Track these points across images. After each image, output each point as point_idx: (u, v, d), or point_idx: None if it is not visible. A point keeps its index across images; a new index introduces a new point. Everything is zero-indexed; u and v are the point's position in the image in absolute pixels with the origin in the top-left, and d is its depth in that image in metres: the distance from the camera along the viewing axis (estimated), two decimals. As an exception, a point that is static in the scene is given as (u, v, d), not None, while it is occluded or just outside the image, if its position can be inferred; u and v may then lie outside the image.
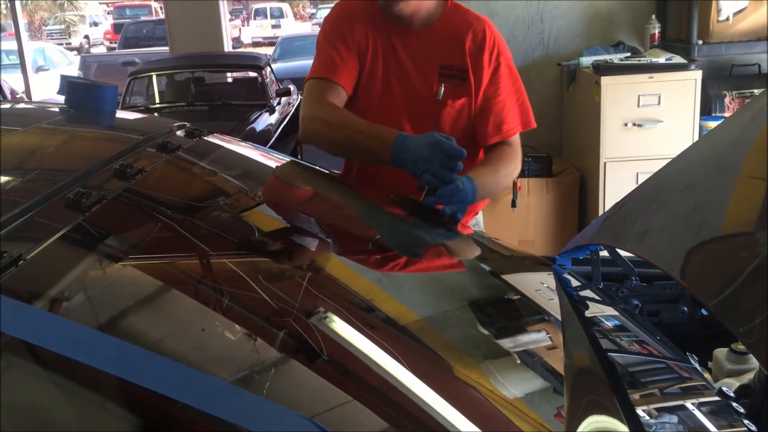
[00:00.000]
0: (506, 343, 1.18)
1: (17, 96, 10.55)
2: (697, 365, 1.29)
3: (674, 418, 1.04)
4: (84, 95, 1.57)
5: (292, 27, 24.10)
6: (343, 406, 0.86)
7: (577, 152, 4.08)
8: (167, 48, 9.19)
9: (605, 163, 3.67)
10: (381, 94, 1.77)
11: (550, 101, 4.21)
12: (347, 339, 0.98)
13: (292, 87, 7.47)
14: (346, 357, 0.95)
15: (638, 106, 3.61)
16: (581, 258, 1.58)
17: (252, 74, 7.37)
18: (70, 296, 0.86)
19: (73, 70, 14.54)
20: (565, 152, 4.25)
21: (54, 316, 0.72)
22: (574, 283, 1.48)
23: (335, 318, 1.02)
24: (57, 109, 1.63)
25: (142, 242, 1.08)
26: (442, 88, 1.73)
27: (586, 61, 3.87)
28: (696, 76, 3.59)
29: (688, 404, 1.11)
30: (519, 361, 1.13)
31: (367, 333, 1.02)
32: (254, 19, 25.68)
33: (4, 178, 1.10)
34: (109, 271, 0.98)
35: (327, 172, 1.82)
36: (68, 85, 1.56)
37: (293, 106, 7.39)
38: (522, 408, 1.01)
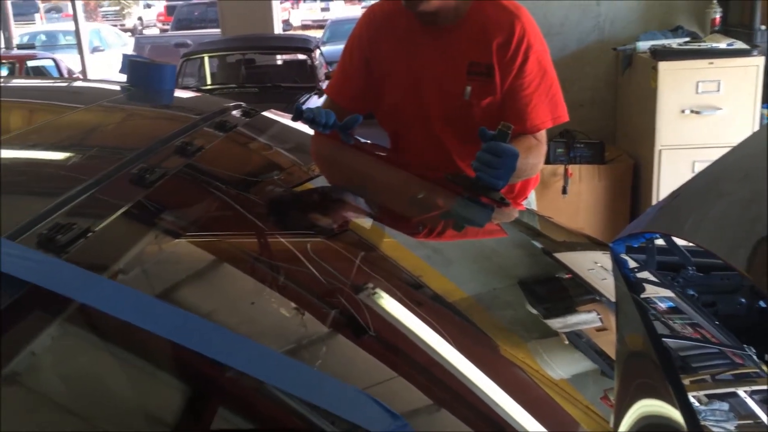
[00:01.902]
0: (554, 323, 1.17)
1: (74, 76, 10.83)
2: (754, 356, 1.26)
3: (725, 405, 1.03)
4: (144, 74, 1.60)
5: (341, 10, 24.09)
6: (388, 382, 0.86)
7: (630, 139, 4.00)
8: (219, 30, 9.31)
9: (660, 151, 3.58)
10: (411, 95, 1.77)
11: (603, 86, 4.13)
12: (395, 316, 0.99)
13: (341, 70, 7.46)
14: (393, 333, 0.96)
15: (697, 92, 3.51)
16: (636, 246, 1.55)
17: (301, 57, 7.40)
18: (134, 268, 0.88)
19: (128, 51, 14.84)
20: (618, 139, 4.17)
21: (123, 286, 0.75)
22: (632, 264, 1.46)
23: (384, 294, 1.03)
24: (118, 87, 1.68)
25: (202, 218, 1.10)
26: (469, 89, 1.71)
27: (643, 45, 3.77)
28: (758, 62, 3.47)
29: (740, 392, 1.10)
30: (567, 342, 1.12)
31: (415, 310, 1.02)
32: (304, 1, 25.79)
33: (71, 154, 1.13)
34: (170, 244, 1.00)
35: (375, 148, 1.84)
36: (130, 64, 1.60)
37: (342, 89, 7.39)
38: (567, 389, 1.00)
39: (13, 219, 0.81)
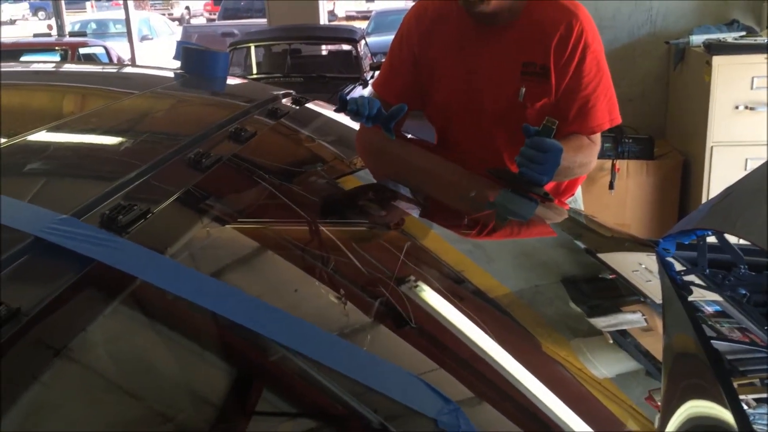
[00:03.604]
0: (598, 321, 1.16)
1: (124, 63, 11.04)
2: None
3: (774, 410, 1.01)
4: (198, 61, 1.63)
5: (385, 1, 24.03)
6: (429, 374, 0.87)
7: (681, 135, 3.91)
8: (265, 20, 9.39)
9: (712, 148, 3.50)
10: (462, 95, 1.75)
11: (654, 81, 4.05)
12: (437, 309, 0.99)
13: (385, 61, 7.47)
14: (435, 326, 0.96)
15: (751, 88, 3.41)
16: (686, 243, 1.53)
17: (346, 47, 7.42)
18: (189, 249, 0.90)
19: (176, 40, 15.07)
20: (668, 134, 4.08)
21: (182, 265, 0.77)
22: (678, 267, 1.44)
23: (426, 287, 1.03)
24: (172, 74, 1.71)
25: (252, 204, 1.12)
26: (523, 90, 1.67)
27: (697, 39, 3.68)
28: (816, 58, 3.36)
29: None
30: (611, 341, 1.11)
31: (456, 304, 1.02)
32: (348, -8, 25.79)
33: (130, 138, 1.16)
34: (222, 228, 1.02)
35: (421, 143, 1.84)
36: (184, 51, 1.63)
37: (386, 80, 7.38)
38: (611, 388, 1.00)
39: (77, 199, 0.84)
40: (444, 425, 0.61)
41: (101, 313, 0.72)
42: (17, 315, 0.64)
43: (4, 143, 1.02)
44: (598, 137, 1.75)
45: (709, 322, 1.26)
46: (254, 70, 7.02)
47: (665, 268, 1.40)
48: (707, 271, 1.47)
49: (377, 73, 7.65)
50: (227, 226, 1.01)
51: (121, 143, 1.12)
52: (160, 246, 0.83)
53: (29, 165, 0.98)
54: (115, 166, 1.01)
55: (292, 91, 1.68)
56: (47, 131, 1.10)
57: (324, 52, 8.23)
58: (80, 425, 0.61)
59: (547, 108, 1.69)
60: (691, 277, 1.42)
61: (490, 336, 0.95)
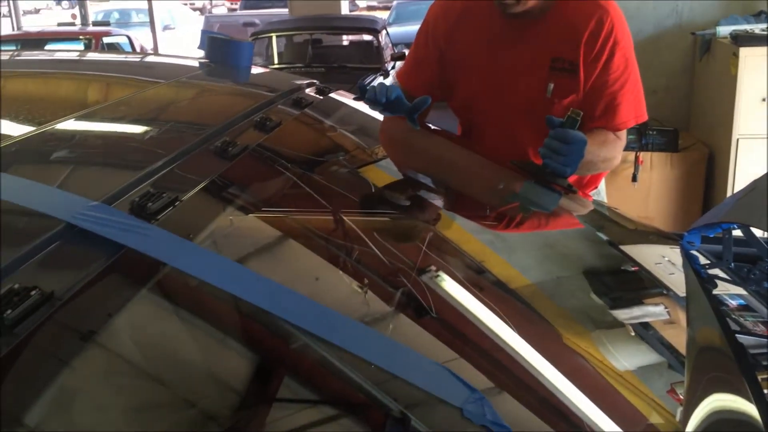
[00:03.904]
0: (620, 313, 1.16)
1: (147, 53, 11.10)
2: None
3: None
4: (223, 50, 1.64)
5: (406, -9, 23.90)
6: (449, 364, 0.87)
7: (706, 127, 3.86)
8: (286, 10, 9.39)
9: (738, 140, 3.45)
10: (488, 89, 1.73)
11: (679, 72, 4.00)
12: (458, 299, 0.99)
13: (406, 51, 7.45)
14: (455, 316, 0.97)
15: (779, 80, 3.36)
16: (711, 236, 1.51)
17: (368, 38, 7.40)
18: (216, 237, 0.91)
19: (199, 30, 15.13)
20: (693, 126, 4.04)
21: (211, 252, 0.78)
22: (703, 260, 1.43)
23: (447, 277, 1.03)
24: (197, 64, 1.72)
25: (281, 192, 1.13)
26: (551, 86, 1.66)
27: (724, 30, 3.63)
28: None
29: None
30: (633, 334, 1.11)
31: (477, 294, 1.03)
32: (370, -18, 25.69)
33: (157, 126, 1.18)
34: (248, 216, 1.03)
35: (446, 135, 1.83)
36: (209, 41, 1.64)
37: (407, 70, 7.36)
38: (632, 381, 0.99)
39: (107, 186, 0.85)
40: (470, 414, 0.61)
41: (132, 298, 0.73)
42: (51, 299, 0.65)
43: (35, 131, 1.03)
44: (623, 133, 1.73)
45: (733, 316, 1.25)
46: (275, 60, 7.03)
47: (690, 261, 1.39)
48: (732, 264, 1.45)
49: (398, 63, 7.68)
50: (254, 214, 1.02)
51: (149, 132, 1.14)
52: (187, 233, 0.84)
53: (59, 153, 1.00)
54: (144, 154, 1.03)
55: (315, 81, 1.68)
56: (76, 120, 1.12)
57: (345, 43, 8.23)
58: (107, 409, 0.62)
59: (575, 104, 1.67)
60: (715, 271, 1.41)
61: (511, 327, 0.95)
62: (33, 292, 0.64)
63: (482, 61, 1.72)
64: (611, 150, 1.68)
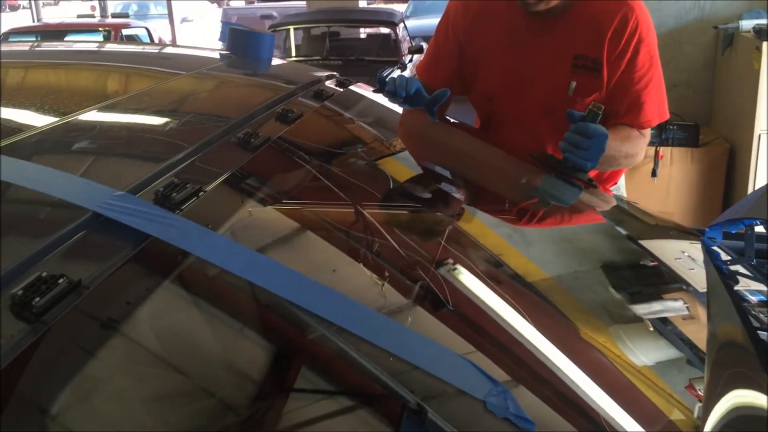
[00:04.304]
0: (639, 308, 1.15)
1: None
2: None
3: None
4: (244, 42, 1.64)
5: (425, -16, 23.80)
6: (466, 357, 0.87)
7: (728, 122, 3.82)
8: (304, 2, 9.39)
9: (760, 136, 3.41)
10: (508, 85, 1.72)
11: (701, 66, 3.95)
12: (475, 292, 0.99)
13: (424, 45, 7.44)
14: (472, 309, 0.96)
15: (803, 75, 3.31)
16: (733, 232, 1.50)
17: (385, 30, 7.40)
18: (239, 227, 0.92)
19: (216, 22, 15.19)
20: (714, 122, 3.99)
21: (236, 243, 0.78)
22: (724, 257, 1.42)
23: (464, 270, 1.03)
24: (218, 55, 1.73)
25: (303, 183, 1.13)
26: (574, 84, 1.63)
27: (747, 24, 3.58)
28: None
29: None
30: (652, 329, 1.10)
31: (494, 288, 1.02)
32: (388, -26, 25.60)
33: (180, 118, 1.18)
34: (274, 207, 1.04)
35: (464, 127, 1.83)
36: (230, 32, 1.64)
37: (425, 63, 7.35)
38: (650, 376, 0.99)
39: (132, 176, 0.86)
40: (493, 407, 0.61)
41: (157, 288, 0.74)
42: (78, 287, 0.66)
43: (60, 122, 1.04)
44: (647, 130, 1.72)
45: (754, 312, 1.24)
46: (293, 53, 7.04)
47: (711, 257, 1.38)
48: (754, 261, 1.44)
49: (416, 56, 7.66)
50: (277, 206, 1.03)
51: (172, 123, 1.14)
52: (211, 223, 0.84)
53: (83, 143, 1.01)
54: (167, 145, 1.03)
55: (335, 73, 1.68)
56: (100, 110, 1.13)
57: (363, 35, 8.22)
58: (132, 397, 0.63)
59: (598, 102, 1.66)
60: (737, 267, 1.40)
61: (529, 321, 0.95)
62: (60, 280, 0.65)
63: (502, 57, 1.71)
64: (634, 146, 1.66)
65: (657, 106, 1.68)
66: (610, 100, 1.64)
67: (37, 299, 0.62)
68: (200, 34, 13.53)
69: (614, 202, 1.62)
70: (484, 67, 1.75)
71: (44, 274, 0.65)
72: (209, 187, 0.89)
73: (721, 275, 1.31)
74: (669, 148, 3.62)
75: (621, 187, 1.99)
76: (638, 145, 1.68)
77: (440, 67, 1.81)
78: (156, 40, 10.11)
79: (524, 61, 1.69)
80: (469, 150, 1.69)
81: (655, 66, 1.65)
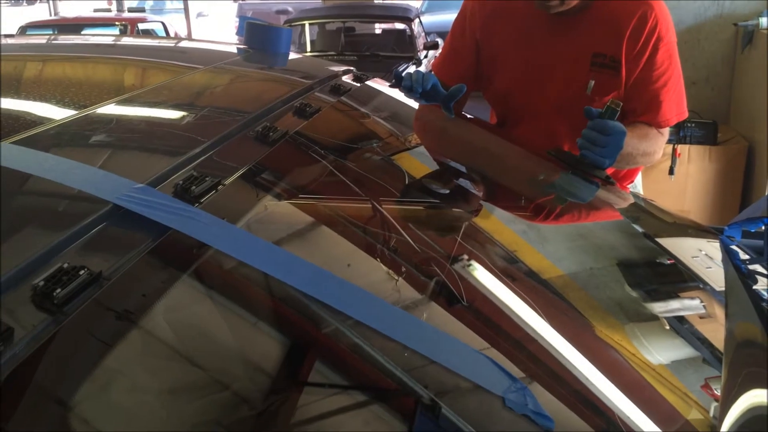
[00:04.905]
0: (655, 307, 1.15)
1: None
2: None
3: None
4: (262, 36, 1.64)
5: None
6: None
7: (747, 120, 3.78)
8: (319, -2, 9.40)
9: (779, 134, 3.39)
10: (525, 83, 1.71)
11: (720, 64, 3.92)
12: (489, 288, 0.99)
13: (439, 41, 7.42)
14: (486, 305, 0.96)
15: (824, 73, 3.28)
16: (753, 231, 1.49)
17: (400, 26, 7.39)
18: (257, 221, 0.92)
19: (231, 18, 15.24)
20: (732, 119, 3.96)
21: (256, 237, 0.78)
22: (743, 256, 1.40)
23: (478, 266, 1.03)
24: (235, 49, 1.73)
25: (322, 178, 1.13)
26: (592, 83, 1.62)
27: (767, 21, 3.54)
28: None
29: None
30: (667, 327, 1.10)
31: (509, 284, 1.02)
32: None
33: (199, 111, 1.19)
34: (293, 201, 1.04)
35: (480, 123, 1.82)
36: (247, 26, 1.64)
37: (440, 59, 7.34)
38: (665, 374, 0.98)
39: (152, 169, 0.87)
40: (512, 404, 0.61)
41: (177, 280, 0.74)
42: (98, 279, 0.66)
43: (78, 114, 1.05)
44: (666, 129, 1.71)
45: (769, 310, 1.23)
46: (308, 48, 7.06)
47: (730, 256, 1.37)
48: (774, 260, 1.42)
49: (431, 52, 7.66)
50: (296, 200, 1.03)
51: (190, 116, 1.15)
52: (230, 216, 0.84)
53: (102, 136, 1.01)
54: (186, 138, 1.04)
55: (352, 68, 1.68)
56: (119, 104, 1.13)
57: (378, 31, 8.22)
58: (153, 389, 0.63)
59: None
60: (756, 266, 1.39)
61: (544, 318, 0.95)
62: (82, 272, 0.65)
63: (520, 54, 1.70)
64: (652, 144, 1.65)
65: (676, 105, 1.66)
66: (629, 99, 1.63)
67: (59, 290, 0.63)
68: (215, 30, 13.59)
69: (631, 200, 1.61)
70: (502, 65, 1.74)
71: (65, 265, 0.66)
72: (228, 181, 0.89)
73: (739, 274, 1.30)
74: (687, 146, 3.60)
75: (638, 185, 1.98)
76: (656, 144, 1.67)
77: (456, 63, 1.81)
78: (172, 35, 10.16)
79: (542, 58, 1.68)
80: (485, 146, 1.68)
81: (675, 64, 1.64)
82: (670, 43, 1.62)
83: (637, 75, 1.62)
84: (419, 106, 1.62)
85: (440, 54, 1.89)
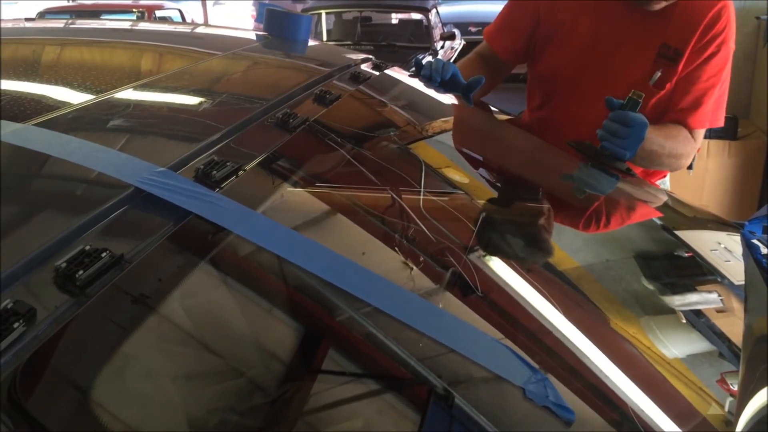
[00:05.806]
0: (672, 300, 1.14)
1: (198, 27, 11.20)
2: None
3: None
4: (282, 23, 1.64)
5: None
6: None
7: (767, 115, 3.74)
8: (337, -14, 9.36)
9: (799, 129, 3.35)
10: (580, 65, 1.67)
11: (741, 58, 3.87)
12: (505, 279, 0.98)
13: (456, 31, 7.38)
14: (501, 296, 0.96)
15: None
16: (774, 227, 1.47)
17: (417, 16, 7.36)
18: (277, 207, 0.92)
19: (248, 6, 15.24)
20: (753, 114, 3.91)
21: (276, 222, 0.78)
22: (764, 250, 1.39)
23: (494, 257, 1.02)
24: (254, 36, 1.73)
25: (342, 165, 1.13)
26: (658, 74, 1.58)
27: (790, 15, 3.50)
28: None
29: None
30: (684, 321, 1.09)
31: (525, 276, 1.01)
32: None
33: (220, 97, 1.19)
34: (313, 188, 1.03)
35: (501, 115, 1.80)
36: (267, 13, 1.64)
37: (456, 51, 7.31)
38: (680, 368, 0.97)
39: (173, 153, 0.86)
40: (532, 395, 0.61)
41: (198, 264, 0.74)
42: (120, 262, 0.66)
43: (98, 98, 1.05)
44: (699, 135, 1.66)
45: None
46: (324, 37, 7.04)
47: (751, 250, 1.35)
48: (795, 256, 1.41)
49: (447, 43, 7.61)
50: (316, 187, 1.03)
51: (211, 102, 1.14)
52: (250, 202, 0.84)
53: (123, 120, 1.01)
54: (207, 123, 1.03)
55: (371, 57, 1.67)
56: (139, 89, 1.13)
57: (394, 21, 8.19)
58: (163, 375, 0.63)
59: (666, 96, 1.61)
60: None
61: (559, 309, 0.94)
62: (104, 254, 0.65)
63: (584, 32, 1.65)
64: (680, 146, 1.61)
65: (713, 111, 1.64)
66: (673, 92, 1.60)
67: (81, 272, 0.63)
68: (232, 18, 13.58)
69: (665, 197, 1.59)
70: (561, 40, 1.69)
71: (88, 247, 0.66)
72: (249, 167, 0.89)
73: (760, 269, 1.28)
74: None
75: (666, 183, 1.96)
76: (685, 147, 1.63)
77: (509, 33, 1.76)
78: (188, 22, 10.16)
79: (608, 40, 1.63)
80: (506, 138, 1.67)
81: (727, 71, 1.62)
82: (730, 49, 1.61)
83: (690, 70, 1.59)
84: (455, 108, 1.59)
85: (495, 21, 1.83)
